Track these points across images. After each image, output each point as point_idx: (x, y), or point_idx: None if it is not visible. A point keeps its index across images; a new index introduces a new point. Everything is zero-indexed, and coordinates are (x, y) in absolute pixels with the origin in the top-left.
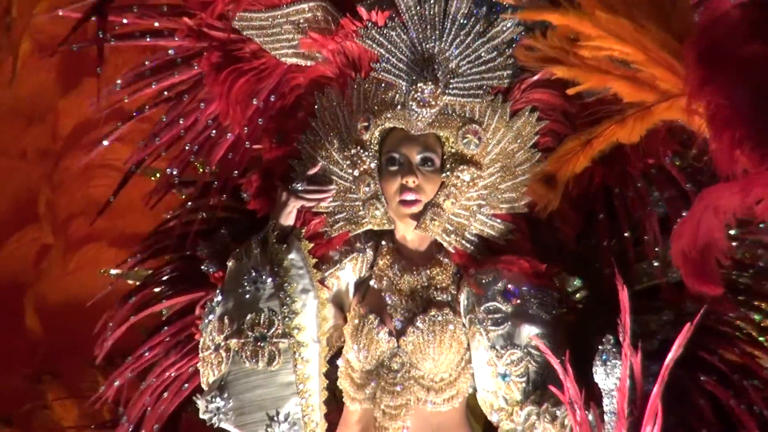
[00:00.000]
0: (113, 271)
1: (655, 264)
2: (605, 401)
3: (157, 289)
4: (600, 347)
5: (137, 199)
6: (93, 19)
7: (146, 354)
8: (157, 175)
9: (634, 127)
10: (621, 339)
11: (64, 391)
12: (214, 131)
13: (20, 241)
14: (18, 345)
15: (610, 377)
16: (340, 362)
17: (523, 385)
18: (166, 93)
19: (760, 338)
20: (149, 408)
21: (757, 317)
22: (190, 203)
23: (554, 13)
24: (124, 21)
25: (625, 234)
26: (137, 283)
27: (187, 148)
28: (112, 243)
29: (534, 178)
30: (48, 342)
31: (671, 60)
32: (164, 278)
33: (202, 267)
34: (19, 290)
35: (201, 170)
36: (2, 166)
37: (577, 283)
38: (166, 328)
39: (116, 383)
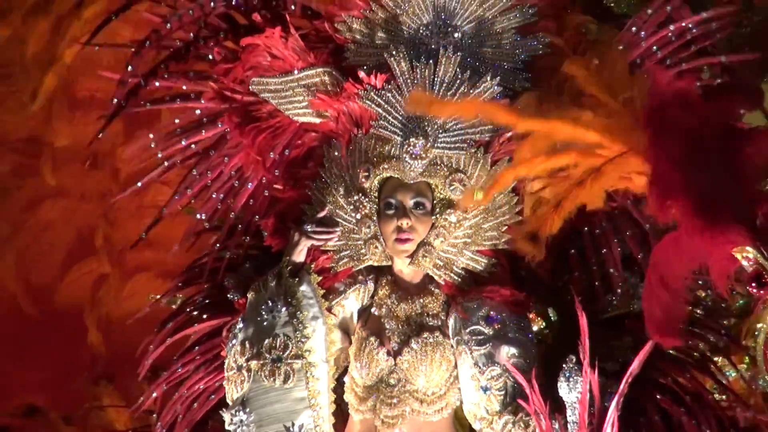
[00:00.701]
0: (158, 297)
1: (615, 298)
2: (569, 412)
3: (192, 313)
4: (564, 366)
5: (179, 237)
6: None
7: (179, 369)
8: (197, 214)
9: (593, 188)
10: (582, 359)
11: (117, 396)
12: (236, 181)
13: (82, 270)
14: (80, 356)
15: (573, 392)
16: (346, 379)
17: (502, 397)
18: (194, 146)
19: (708, 363)
20: (180, 415)
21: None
22: (218, 244)
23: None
24: (157, 84)
25: (593, 269)
26: (173, 307)
27: (214, 196)
28: (159, 274)
29: (519, 237)
30: (105, 354)
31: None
32: (197, 304)
33: (228, 295)
34: (82, 310)
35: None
36: (67, 206)
37: (550, 311)
38: (197, 347)
39: (154, 394)
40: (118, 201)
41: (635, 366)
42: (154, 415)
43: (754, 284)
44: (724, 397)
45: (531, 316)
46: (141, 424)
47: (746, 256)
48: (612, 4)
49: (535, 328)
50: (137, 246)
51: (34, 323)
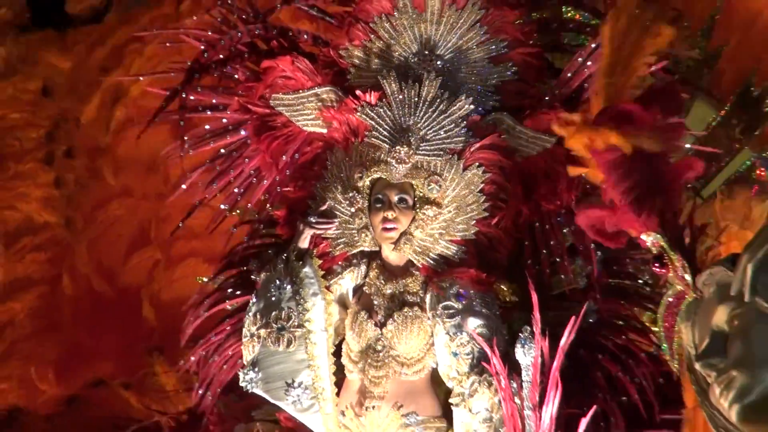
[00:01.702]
0: (205, 279)
1: (564, 277)
2: (524, 374)
3: (225, 292)
4: (520, 334)
5: (223, 228)
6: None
7: (213, 338)
8: (238, 211)
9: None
10: (534, 328)
11: (167, 364)
12: (254, 179)
13: (140, 257)
14: (137, 330)
15: (527, 356)
16: (342, 345)
17: (469, 360)
18: (222, 150)
19: (642, 327)
20: (215, 376)
21: (645, 316)
22: (247, 237)
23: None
24: (192, 98)
25: (543, 253)
26: (215, 287)
27: (235, 191)
28: (205, 260)
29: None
30: (158, 328)
31: None
32: (230, 285)
33: (252, 277)
34: (139, 291)
35: (271, 210)
36: (130, 205)
37: (508, 289)
38: (227, 319)
39: (192, 358)
40: (169, 200)
41: (570, 329)
42: (195, 376)
43: (657, 264)
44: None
45: (505, 289)
46: (185, 386)
47: (653, 241)
48: (565, 41)
49: (507, 299)
50: (186, 237)
51: (102, 300)
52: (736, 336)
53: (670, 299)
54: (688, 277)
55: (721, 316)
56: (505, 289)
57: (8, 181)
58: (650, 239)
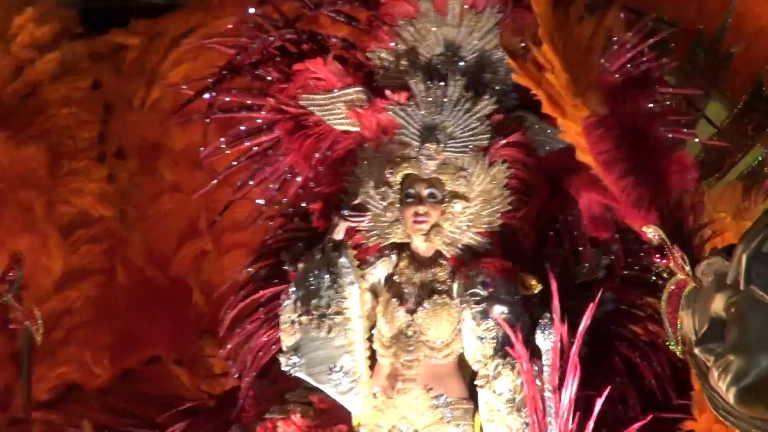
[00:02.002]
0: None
1: (584, 268)
2: (544, 358)
3: (259, 282)
4: (540, 321)
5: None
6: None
7: (248, 326)
8: (279, 204)
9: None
10: (553, 315)
11: (216, 346)
12: (289, 175)
13: (190, 248)
14: (189, 313)
15: (547, 341)
16: (374, 331)
17: (494, 345)
18: (255, 149)
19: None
20: (250, 361)
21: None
22: (279, 229)
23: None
24: (227, 99)
25: (566, 246)
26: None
27: (270, 186)
28: (251, 250)
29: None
30: (208, 314)
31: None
32: (263, 276)
33: (285, 267)
34: (190, 278)
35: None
36: (180, 199)
37: (533, 278)
38: (260, 309)
39: (229, 346)
40: (216, 195)
41: (587, 316)
42: (230, 362)
43: (657, 255)
44: None
45: (533, 282)
46: (227, 371)
47: (654, 233)
48: None
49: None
50: (232, 229)
51: (154, 289)
52: (732, 322)
53: (672, 288)
54: (687, 267)
55: (718, 304)
56: (533, 280)
57: (63, 177)
58: (651, 231)
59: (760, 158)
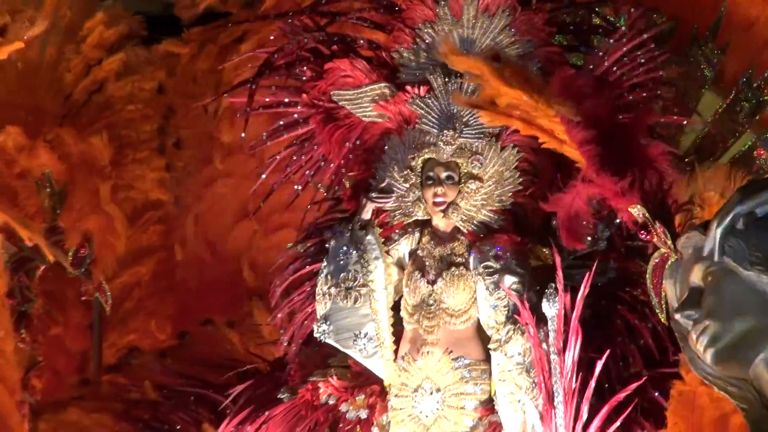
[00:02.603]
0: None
1: (589, 239)
2: (549, 324)
3: (306, 258)
4: (546, 290)
5: (305, 203)
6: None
7: (295, 298)
8: (320, 187)
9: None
10: (558, 285)
11: (265, 313)
12: (323, 163)
13: (240, 229)
14: (239, 288)
15: (552, 309)
16: (401, 301)
17: (506, 312)
18: (295, 142)
19: None
20: (297, 330)
21: None
22: (324, 213)
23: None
24: (267, 99)
25: None
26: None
27: (307, 173)
28: (295, 229)
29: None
30: (256, 288)
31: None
32: (309, 252)
33: (326, 245)
34: (239, 256)
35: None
36: (232, 184)
37: (545, 250)
38: (307, 282)
39: (279, 315)
40: (263, 181)
41: (585, 282)
42: (281, 329)
43: (642, 231)
44: None
45: (546, 252)
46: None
47: (638, 211)
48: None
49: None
50: (279, 210)
51: (208, 265)
52: (709, 291)
53: (656, 260)
54: (669, 241)
55: (697, 274)
56: (545, 251)
57: (127, 165)
58: (635, 211)
59: (749, 143)
